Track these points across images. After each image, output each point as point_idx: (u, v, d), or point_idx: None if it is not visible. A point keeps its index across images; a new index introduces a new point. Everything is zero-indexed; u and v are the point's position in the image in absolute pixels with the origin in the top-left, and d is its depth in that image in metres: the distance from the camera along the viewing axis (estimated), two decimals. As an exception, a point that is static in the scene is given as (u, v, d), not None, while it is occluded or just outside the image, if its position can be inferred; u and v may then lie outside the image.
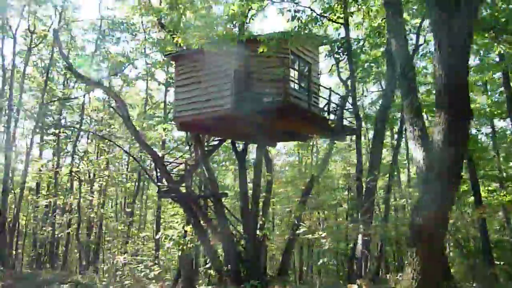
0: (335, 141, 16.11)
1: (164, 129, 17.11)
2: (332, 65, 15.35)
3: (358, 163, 11.73)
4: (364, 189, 10.51)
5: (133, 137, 15.37)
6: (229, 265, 13.22)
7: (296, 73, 12.75)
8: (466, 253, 13.03)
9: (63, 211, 21.78)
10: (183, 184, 13.83)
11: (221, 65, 12.36)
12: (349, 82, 13.59)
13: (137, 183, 24.47)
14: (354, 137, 15.91)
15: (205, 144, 14.79)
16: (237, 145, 16.52)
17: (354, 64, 13.31)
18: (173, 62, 14.06)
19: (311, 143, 21.48)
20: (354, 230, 10.11)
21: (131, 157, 20.28)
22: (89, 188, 21.46)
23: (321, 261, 16.95)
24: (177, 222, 25.84)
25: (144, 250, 22.53)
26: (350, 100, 13.42)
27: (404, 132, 13.98)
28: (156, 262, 15.95)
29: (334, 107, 14.52)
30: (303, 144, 21.90)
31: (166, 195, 14.37)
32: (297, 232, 12.29)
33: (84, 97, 21.97)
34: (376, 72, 16.22)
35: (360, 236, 9.78)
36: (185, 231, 14.42)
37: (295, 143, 22.99)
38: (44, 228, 22.16)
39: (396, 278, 8.28)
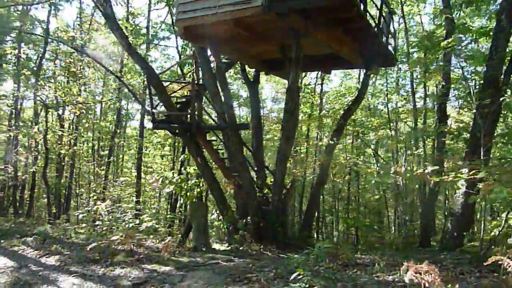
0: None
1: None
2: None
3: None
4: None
5: (120, 44, 11.44)
6: (247, 219, 10.24)
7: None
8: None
9: (27, 148, 17.90)
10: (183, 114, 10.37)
11: None
12: None
13: (116, 119, 20.71)
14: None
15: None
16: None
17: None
18: None
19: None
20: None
21: (114, 77, 16.35)
22: (58, 121, 17.59)
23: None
24: (165, 165, 22.75)
25: (125, 197, 19.29)
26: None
27: None
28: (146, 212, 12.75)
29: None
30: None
31: (164, 126, 10.90)
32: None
33: None
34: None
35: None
36: (188, 174, 11.16)
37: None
38: (5, 168, 18.33)
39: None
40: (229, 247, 8.90)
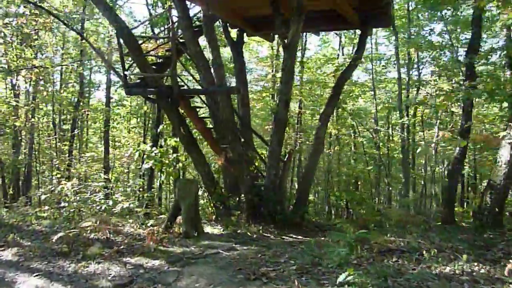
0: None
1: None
2: None
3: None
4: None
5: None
6: (240, 196, 9.03)
7: None
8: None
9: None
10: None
11: None
12: None
13: (79, 88, 18.59)
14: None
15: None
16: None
17: None
18: None
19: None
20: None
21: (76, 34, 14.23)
22: (11, 90, 15.42)
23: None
24: (134, 139, 20.95)
25: (92, 175, 17.53)
26: None
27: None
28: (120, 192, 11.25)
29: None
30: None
31: (139, 91, 9.30)
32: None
33: None
34: None
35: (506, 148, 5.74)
36: (170, 148, 9.70)
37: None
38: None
39: None
40: (224, 231, 7.65)
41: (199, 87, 10.05)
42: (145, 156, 9.26)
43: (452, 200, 8.39)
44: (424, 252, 4.72)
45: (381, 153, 18.38)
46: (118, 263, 5.48)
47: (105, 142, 18.80)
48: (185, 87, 10.32)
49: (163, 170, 9.21)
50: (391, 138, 18.80)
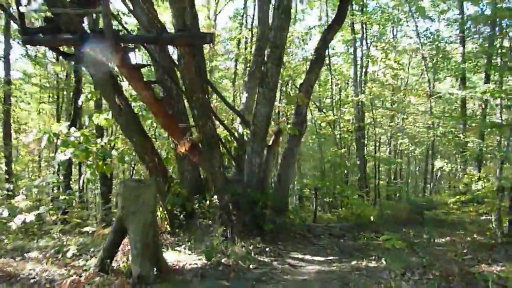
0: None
1: None
2: None
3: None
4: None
5: None
6: (210, 197, 6.29)
7: None
8: None
9: None
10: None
11: None
12: None
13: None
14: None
15: None
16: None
17: None
18: None
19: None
20: None
21: None
22: None
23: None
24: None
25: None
26: None
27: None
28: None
29: None
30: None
31: (46, 40, 5.82)
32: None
33: None
34: None
35: None
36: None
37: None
38: None
39: None
40: (199, 258, 4.78)
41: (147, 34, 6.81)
42: (59, 142, 5.96)
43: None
44: None
45: (341, 135, 16.79)
46: None
47: (4, 126, 14.49)
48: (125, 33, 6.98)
49: (88, 163, 6.00)
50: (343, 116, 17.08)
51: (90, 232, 6.55)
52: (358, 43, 16.73)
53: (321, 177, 12.17)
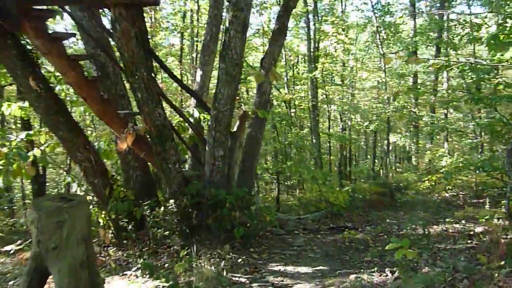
0: None
1: None
2: None
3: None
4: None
5: None
6: (163, 202, 5.18)
7: None
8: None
9: None
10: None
11: None
12: None
13: None
14: None
15: None
16: None
17: None
18: None
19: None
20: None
21: None
22: None
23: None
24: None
25: None
26: None
27: None
28: None
29: None
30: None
31: None
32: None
33: None
34: None
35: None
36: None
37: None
38: None
39: None
40: (158, 285, 3.63)
41: None
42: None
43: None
44: None
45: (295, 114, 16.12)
46: None
47: None
48: None
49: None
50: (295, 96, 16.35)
51: (12, 251, 5.18)
52: (310, 17, 15.92)
53: (284, 161, 11.30)
